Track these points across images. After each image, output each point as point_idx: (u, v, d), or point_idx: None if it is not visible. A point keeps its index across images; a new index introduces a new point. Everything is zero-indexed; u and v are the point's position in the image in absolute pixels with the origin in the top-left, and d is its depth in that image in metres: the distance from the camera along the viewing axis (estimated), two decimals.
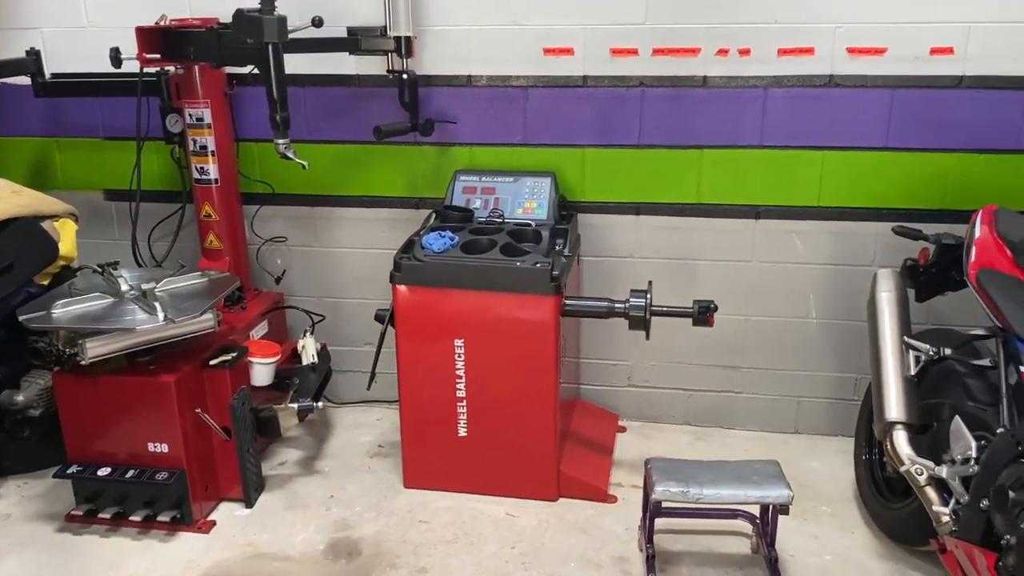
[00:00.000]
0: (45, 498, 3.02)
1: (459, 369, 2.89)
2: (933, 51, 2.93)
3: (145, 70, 3.04)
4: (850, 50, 2.97)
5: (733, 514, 2.76)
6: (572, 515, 2.93)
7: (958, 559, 2.23)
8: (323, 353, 3.37)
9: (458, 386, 2.91)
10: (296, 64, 3.04)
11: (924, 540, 2.48)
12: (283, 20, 2.68)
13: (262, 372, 3.01)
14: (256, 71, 2.82)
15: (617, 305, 2.85)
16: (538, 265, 2.77)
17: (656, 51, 3.08)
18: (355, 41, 3.08)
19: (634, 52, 3.09)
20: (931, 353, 2.53)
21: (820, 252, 3.22)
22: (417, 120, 3.18)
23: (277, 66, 2.70)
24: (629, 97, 3.14)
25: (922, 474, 2.32)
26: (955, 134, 3.00)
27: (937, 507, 2.27)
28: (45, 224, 2.99)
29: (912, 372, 2.55)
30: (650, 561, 2.60)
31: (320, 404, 3.08)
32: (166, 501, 2.79)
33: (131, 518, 2.79)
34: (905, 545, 2.70)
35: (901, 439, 2.43)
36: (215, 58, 2.93)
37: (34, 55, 3.21)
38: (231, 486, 2.95)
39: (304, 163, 2.88)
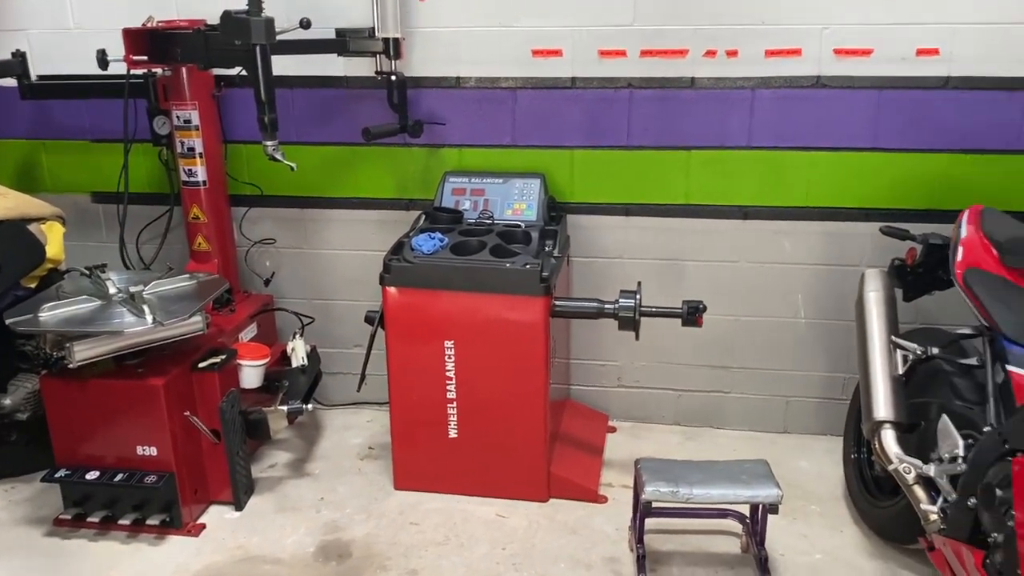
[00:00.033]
0: (33, 502, 3.00)
1: (449, 370, 2.89)
2: (919, 52, 2.95)
3: (132, 72, 3.03)
4: (837, 51, 2.99)
5: (723, 514, 2.77)
6: (562, 516, 2.93)
7: (946, 557, 2.25)
8: (313, 355, 3.36)
9: (448, 387, 2.91)
10: (284, 66, 3.04)
11: (913, 538, 2.49)
12: (271, 21, 2.68)
13: (251, 374, 3.00)
14: (244, 73, 2.81)
15: (607, 306, 2.86)
16: (527, 266, 2.78)
17: (644, 52, 3.09)
18: (343, 42, 3.07)
19: (622, 54, 3.10)
20: (919, 352, 2.54)
21: (808, 252, 3.23)
22: (406, 122, 3.18)
23: (265, 68, 2.70)
24: (617, 98, 3.15)
25: (910, 473, 2.33)
26: (941, 135, 3.02)
27: (925, 505, 2.28)
28: (32, 227, 2.97)
29: (900, 371, 2.56)
30: (640, 561, 2.60)
31: (310, 406, 3.08)
32: (155, 504, 2.78)
33: (120, 522, 2.77)
34: (894, 543, 2.71)
35: (889, 438, 2.44)
36: (203, 60, 2.93)
37: (20, 57, 3.19)
38: (221, 489, 2.94)
39: (292, 165, 2.88)
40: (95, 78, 3.16)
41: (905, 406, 2.51)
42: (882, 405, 2.50)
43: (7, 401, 2.93)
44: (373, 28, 3.05)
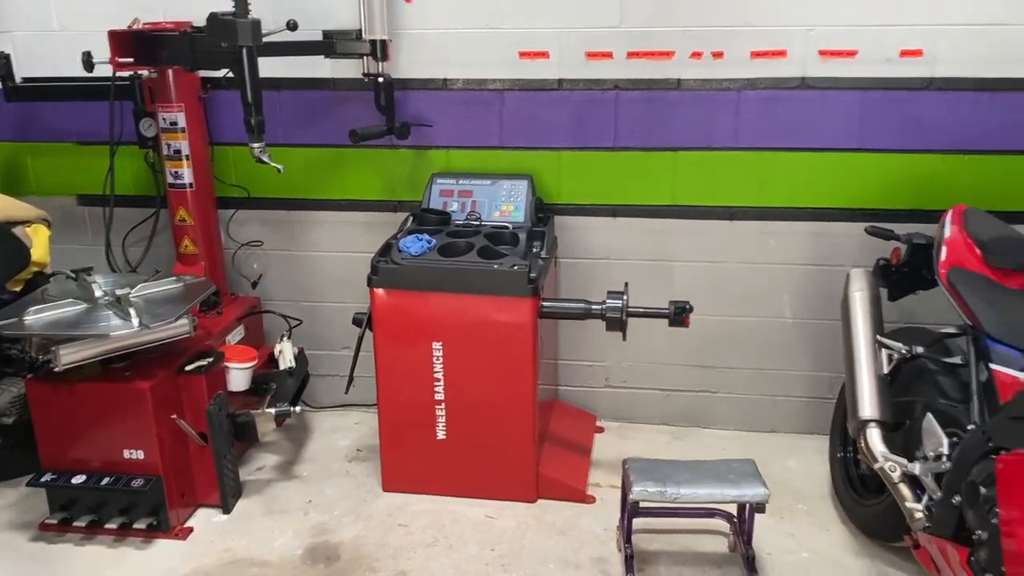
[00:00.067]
0: (18, 507, 2.98)
1: (437, 372, 2.89)
2: (903, 53, 2.97)
3: (118, 74, 3.02)
4: (822, 53, 3.01)
5: (710, 513, 2.78)
6: (551, 516, 2.94)
7: (931, 555, 2.26)
8: (300, 357, 3.35)
9: (436, 389, 2.91)
10: (271, 67, 3.04)
11: (898, 536, 2.51)
12: (257, 23, 2.68)
13: (239, 377, 2.99)
14: (231, 75, 2.81)
15: (594, 307, 2.87)
16: (515, 267, 2.78)
17: (631, 54, 3.10)
18: (330, 44, 3.07)
19: (609, 55, 3.11)
20: (903, 351, 2.56)
21: (794, 252, 3.25)
22: (393, 123, 3.18)
23: (251, 70, 2.70)
24: (604, 100, 3.16)
25: (895, 471, 2.34)
26: (925, 135, 3.04)
27: (910, 503, 2.29)
28: (17, 230, 2.95)
29: (885, 370, 2.58)
30: (628, 561, 2.61)
31: (298, 408, 3.07)
32: (142, 508, 2.77)
33: (107, 526, 2.76)
34: (880, 541, 2.73)
35: (875, 437, 2.45)
36: (189, 62, 2.92)
37: (4, 59, 3.17)
38: (208, 492, 2.94)
39: (279, 167, 2.88)
40: (80, 80, 3.15)
41: (890, 405, 2.52)
42: (867, 404, 2.51)
43: None
44: (360, 30, 3.05)
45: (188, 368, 2.83)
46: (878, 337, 2.64)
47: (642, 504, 2.54)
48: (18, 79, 3.24)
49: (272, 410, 2.98)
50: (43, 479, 2.76)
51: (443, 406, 2.93)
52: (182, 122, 3.06)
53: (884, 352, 2.60)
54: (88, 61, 2.96)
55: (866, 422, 2.48)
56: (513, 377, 2.87)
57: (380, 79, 3.11)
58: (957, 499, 2.11)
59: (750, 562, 2.60)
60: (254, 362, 3.03)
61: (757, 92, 3.07)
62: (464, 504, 2.99)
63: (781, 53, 3.03)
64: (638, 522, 2.69)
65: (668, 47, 3.07)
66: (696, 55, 3.07)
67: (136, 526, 2.76)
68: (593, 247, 3.35)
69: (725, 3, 3.00)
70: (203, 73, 3.13)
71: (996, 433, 2.05)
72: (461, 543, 2.80)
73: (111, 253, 3.39)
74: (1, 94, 3.22)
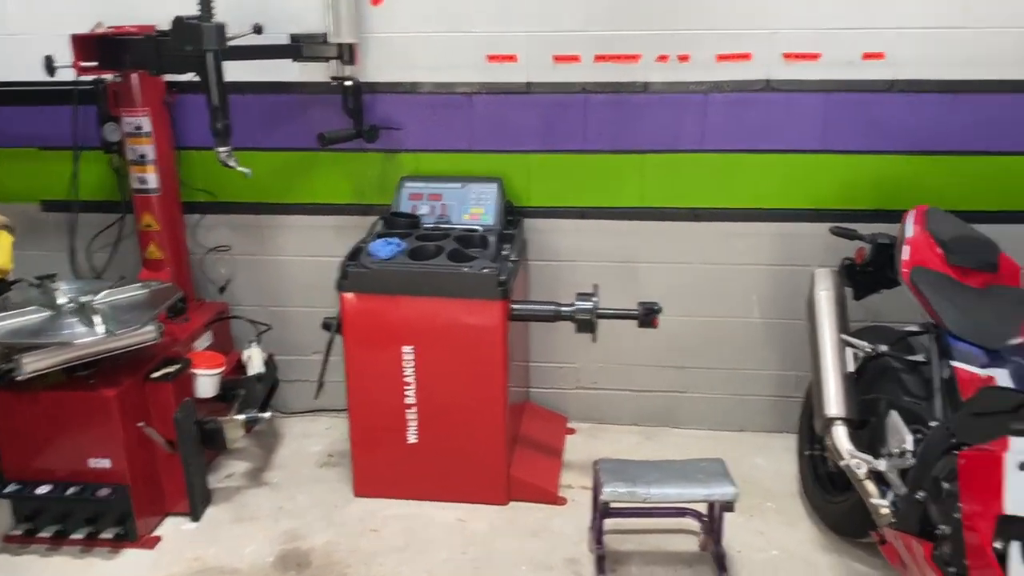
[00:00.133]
0: None
1: (408, 376, 2.88)
2: (865, 56, 3.01)
3: (81, 78, 2.98)
4: (786, 55, 3.04)
5: (681, 512, 2.79)
6: (523, 519, 2.94)
7: (897, 550, 2.29)
8: (270, 363, 3.34)
9: (407, 393, 2.90)
10: (238, 71, 3.01)
11: (865, 532, 2.54)
12: (221, 27, 2.66)
13: (207, 384, 2.97)
14: (196, 78, 2.78)
15: (564, 309, 2.88)
16: (485, 270, 2.78)
17: (598, 57, 3.11)
18: (297, 48, 3.05)
19: (576, 59, 3.12)
20: (868, 350, 2.60)
21: (760, 253, 3.28)
22: (362, 127, 3.17)
23: (217, 74, 2.68)
24: (572, 103, 3.17)
25: (861, 468, 2.37)
26: (888, 136, 3.09)
27: (876, 500, 2.32)
28: None
29: (851, 369, 2.62)
30: (600, 562, 2.62)
31: (267, 415, 3.06)
32: (109, 518, 2.74)
33: (73, 536, 2.73)
34: (847, 538, 2.76)
35: (841, 434, 2.48)
36: (154, 66, 2.89)
37: None
38: (177, 500, 2.91)
39: (247, 171, 2.85)
40: (42, 85, 3.09)
41: (856, 403, 2.56)
42: (833, 402, 2.54)
43: None
44: (327, 33, 3.03)
45: (155, 375, 2.80)
46: (843, 336, 2.67)
47: (613, 505, 2.56)
48: None
49: (241, 416, 2.96)
50: (6, 490, 2.72)
51: (414, 410, 2.92)
52: (147, 126, 3.03)
53: (850, 351, 2.64)
54: (50, 65, 2.91)
55: (832, 420, 2.51)
56: (484, 380, 2.87)
57: (348, 83, 3.10)
58: (921, 495, 2.14)
59: (720, 560, 2.63)
60: (222, 368, 3.01)
61: (723, 95, 3.10)
62: (436, 508, 2.99)
63: (746, 56, 3.06)
64: (609, 523, 2.71)
65: (634, 50, 3.09)
66: (662, 58, 3.09)
67: (103, 536, 2.73)
68: (562, 249, 3.36)
69: (690, 6, 3.03)
70: (168, 77, 3.10)
71: (958, 429, 2.08)
72: (433, 547, 2.79)
73: (75, 259, 3.34)
74: None
